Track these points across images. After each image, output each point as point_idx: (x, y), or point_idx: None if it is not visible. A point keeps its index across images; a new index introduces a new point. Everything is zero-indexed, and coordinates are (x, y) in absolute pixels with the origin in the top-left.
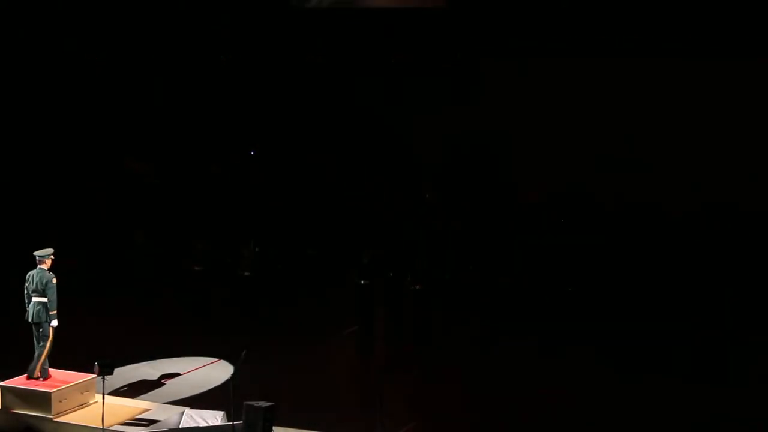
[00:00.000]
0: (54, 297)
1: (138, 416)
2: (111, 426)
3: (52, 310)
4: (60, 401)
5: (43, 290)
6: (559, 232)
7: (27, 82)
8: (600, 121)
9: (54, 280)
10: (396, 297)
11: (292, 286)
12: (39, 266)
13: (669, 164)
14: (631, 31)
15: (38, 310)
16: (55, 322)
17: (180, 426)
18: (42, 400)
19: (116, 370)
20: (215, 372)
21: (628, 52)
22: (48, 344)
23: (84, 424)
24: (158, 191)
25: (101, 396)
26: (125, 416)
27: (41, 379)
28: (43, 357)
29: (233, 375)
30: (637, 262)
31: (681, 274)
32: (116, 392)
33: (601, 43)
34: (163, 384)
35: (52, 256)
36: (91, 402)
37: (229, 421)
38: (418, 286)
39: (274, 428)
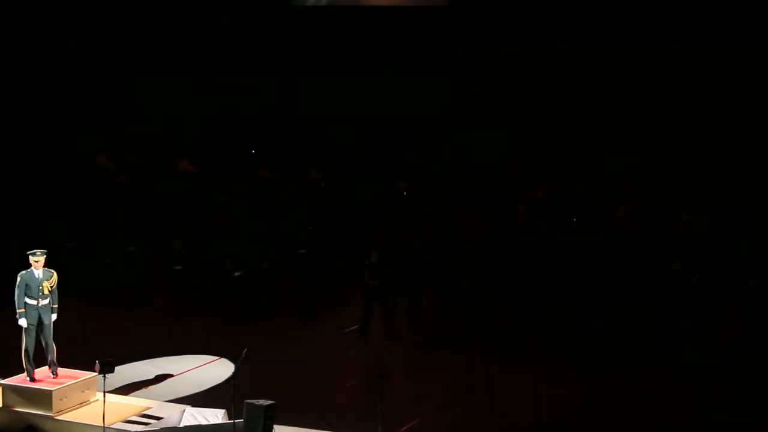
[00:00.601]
0: (16, 296)
1: (139, 414)
2: (112, 424)
3: (17, 308)
4: (61, 399)
5: None
6: (568, 232)
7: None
8: (601, 119)
9: (18, 279)
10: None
11: (286, 284)
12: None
13: (672, 164)
14: (633, 29)
15: None
16: (21, 322)
17: (181, 424)
18: (43, 398)
19: (117, 369)
20: (216, 370)
21: (631, 48)
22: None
23: (85, 423)
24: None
25: (102, 394)
26: (126, 414)
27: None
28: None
29: (234, 373)
30: (641, 261)
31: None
32: (117, 390)
33: (604, 41)
34: (164, 382)
35: (37, 258)
36: (92, 400)
37: (229, 419)
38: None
39: (274, 427)
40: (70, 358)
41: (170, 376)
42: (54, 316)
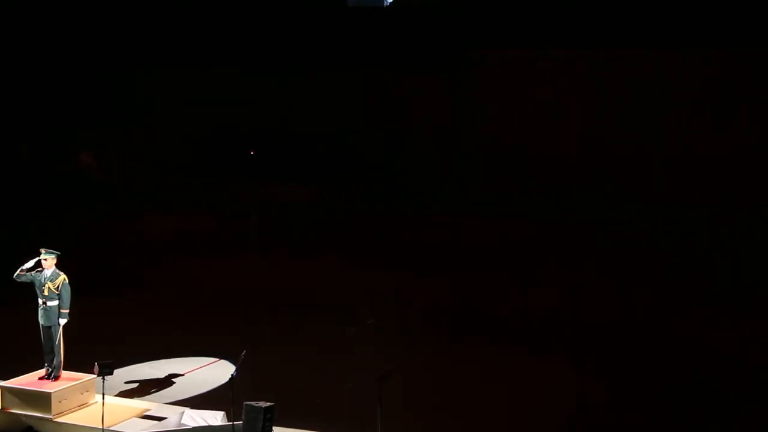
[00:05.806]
0: None
1: (138, 416)
2: (111, 426)
3: None
4: (60, 401)
5: None
6: None
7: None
8: None
9: None
10: None
11: None
12: None
13: None
14: (639, 26)
15: None
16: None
17: (180, 426)
18: (42, 400)
19: (116, 371)
20: (215, 372)
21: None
22: None
23: (84, 425)
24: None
25: (101, 396)
26: (125, 416)
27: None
28: None
29: (233, 375)
30: None
31: None
32: (116, 393)
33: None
34: (164, 384)
35: (44, 257)
36: (91, 402)
37: (229, 421)
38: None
39: (273, 428)
40: (69, 359)
41: (170, 377)
42: (62, 321)
